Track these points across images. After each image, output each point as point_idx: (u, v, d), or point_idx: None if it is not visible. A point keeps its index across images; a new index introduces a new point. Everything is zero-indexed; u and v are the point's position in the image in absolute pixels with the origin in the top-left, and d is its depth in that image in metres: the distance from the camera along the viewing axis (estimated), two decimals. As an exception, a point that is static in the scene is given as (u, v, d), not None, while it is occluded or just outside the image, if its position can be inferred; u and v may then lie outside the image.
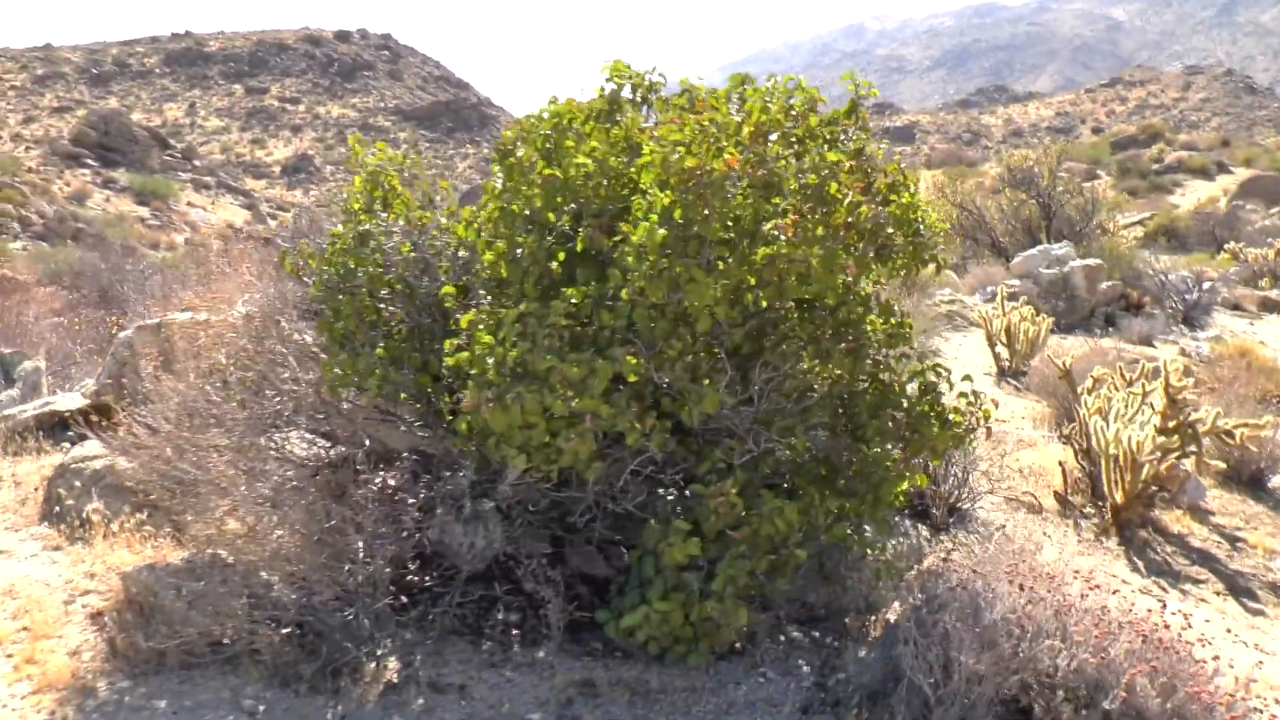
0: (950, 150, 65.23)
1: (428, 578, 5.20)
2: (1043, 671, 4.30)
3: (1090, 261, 16.25)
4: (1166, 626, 4.54)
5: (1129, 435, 7.66)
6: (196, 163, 56.61)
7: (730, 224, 4.22)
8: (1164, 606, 4.66)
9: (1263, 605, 6.79)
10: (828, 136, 5.18)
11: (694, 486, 4.51)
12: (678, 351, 4.23)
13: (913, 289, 14.51)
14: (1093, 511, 8.04)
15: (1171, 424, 8.05)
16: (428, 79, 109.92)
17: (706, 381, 4.45)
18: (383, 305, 4.74)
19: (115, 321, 9.88)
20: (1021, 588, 4.46)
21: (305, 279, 5.18)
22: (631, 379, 4.23)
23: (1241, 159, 45.35)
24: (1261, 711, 4.36)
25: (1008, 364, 12.51)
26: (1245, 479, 9.34)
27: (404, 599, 5.00)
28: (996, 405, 5.11)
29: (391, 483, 5.09)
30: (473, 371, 4.19)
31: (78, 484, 5.66)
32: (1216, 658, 4.52)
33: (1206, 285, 17.18)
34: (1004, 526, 6.65)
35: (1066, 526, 7.77)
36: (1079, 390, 8.88)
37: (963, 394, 4.92)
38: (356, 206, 4.99)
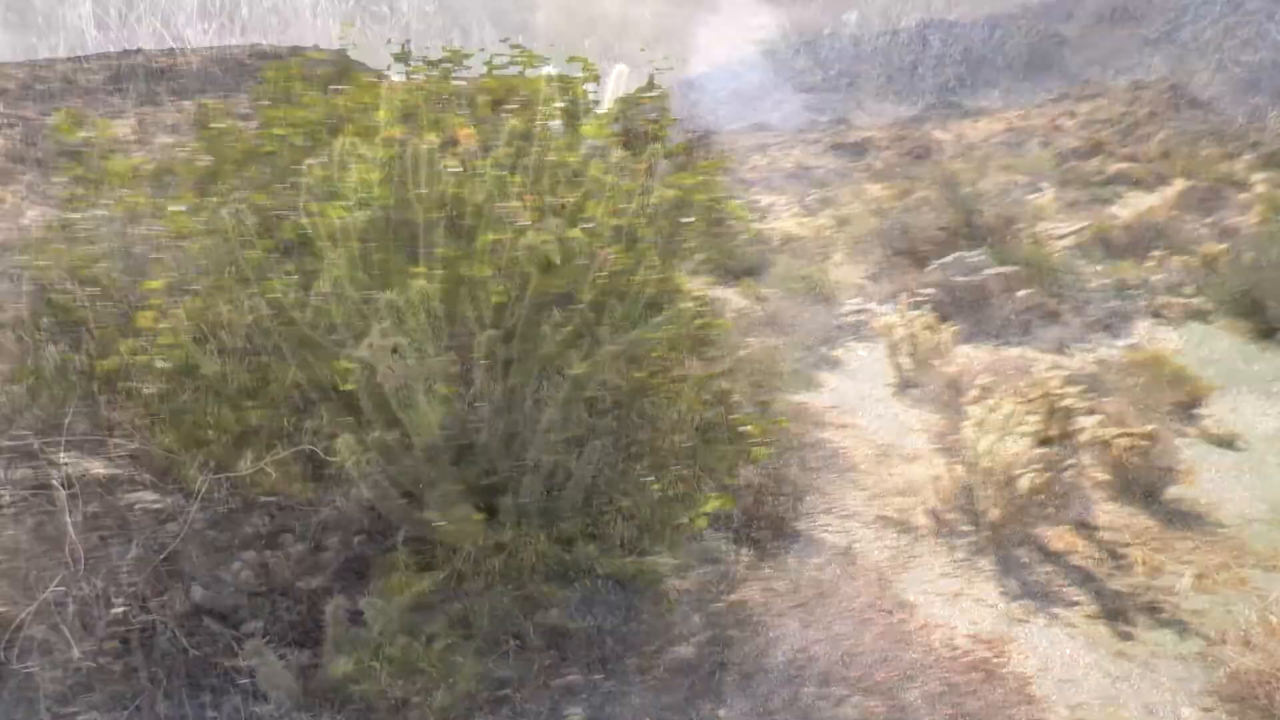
0: (895, 164, 65.26)
1: (159, 620, 4.56)
2: (827, 722, 3.73)
3: (1006, 269, 15.84)
4: (978, 665, 4.00)
5: (1003, 447, 7.16)
6: (134, 178, 55.52)
7: (451, 205, 3.63)
8: (977, 638, 4.12)
9: (1133, 628, 6.26)
10: (617, 114, 4.65)
11: (427, 514, 3.89)
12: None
13: (817, 298, 14.05)
14: (969, 529, 7.53)
15: (1052, 434, 7.59)
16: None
17: (446, 390, 3.84)
18: (82, 305, 4.09)
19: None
20: (805, 626, 3.90)
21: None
22: (346, 386, 3.62)
23: (1180, 170, 45.58)
24: (1086, 758, 3.81)
25: (910, 375, 12.01)
26: (1140, 492, 8.87)
27: (121, 644, 4.35)
28: (787, 419, 4.56)
29: (101, 509, 4.46)
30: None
31: None
32: (1033, 698, 3.99)
33: (1128, 293, 16.84)
34: (848, 550, 6.08)
35: (938, 546, 7.25)
36: (963, 401, 8.40)
37: (761, 401, 4.37)
38: (66, 194, 4.35)
